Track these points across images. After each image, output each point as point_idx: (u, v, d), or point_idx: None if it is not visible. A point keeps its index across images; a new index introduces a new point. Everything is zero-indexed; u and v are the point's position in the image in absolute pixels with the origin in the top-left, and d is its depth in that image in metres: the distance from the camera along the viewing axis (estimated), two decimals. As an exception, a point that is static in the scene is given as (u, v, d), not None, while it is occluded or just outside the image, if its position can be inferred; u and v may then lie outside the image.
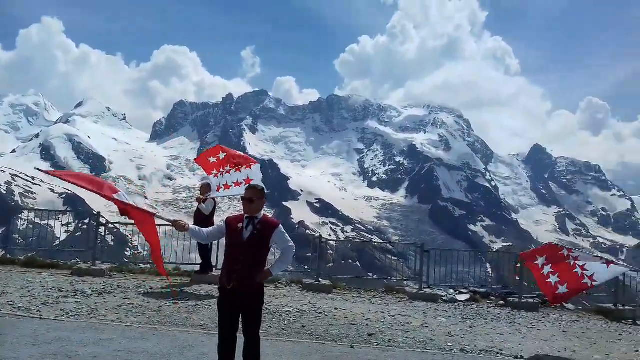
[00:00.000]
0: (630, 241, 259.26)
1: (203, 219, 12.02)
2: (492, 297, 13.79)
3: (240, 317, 5.47)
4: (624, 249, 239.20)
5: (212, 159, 12.07)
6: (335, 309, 10.66)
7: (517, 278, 13.78)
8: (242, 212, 5.57)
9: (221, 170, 11.81)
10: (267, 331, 8.37)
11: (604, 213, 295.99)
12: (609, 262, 9.04)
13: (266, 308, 9.78)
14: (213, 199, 12.30)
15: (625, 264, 9.54)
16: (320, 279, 13.58)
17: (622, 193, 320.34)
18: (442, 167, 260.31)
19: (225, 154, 12.07)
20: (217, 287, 5.57)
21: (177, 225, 5.61)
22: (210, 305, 9.76)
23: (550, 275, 9.00)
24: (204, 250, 12.73)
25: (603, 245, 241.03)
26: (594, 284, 8.68)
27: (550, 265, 9.11)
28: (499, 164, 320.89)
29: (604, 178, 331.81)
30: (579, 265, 8.88)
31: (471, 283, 16.78)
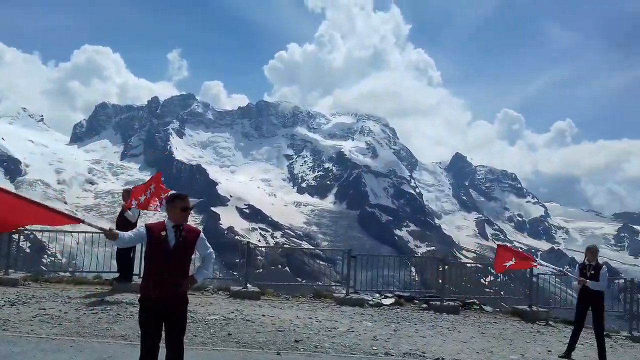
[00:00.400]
0: (543, 245, 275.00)
1: (127, 225, 11.64)
2: (416, 301, 14.20)
3: (164, 327, 5.33)
4: (538, 253, 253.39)
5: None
6: (263, 315, 10.60)
7: (440, 281, 14.29)
8: (161, 220, 5.44)
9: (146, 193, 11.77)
10: (191, 340, 8.20)
11: (520, 219, 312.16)
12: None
13: (192, 317, 9.58)
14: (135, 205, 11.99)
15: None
16: (248, 285, 13.47)
17: (536, 200, 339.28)
18: (370, 174, 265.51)
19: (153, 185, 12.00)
20: (139, 295, 5.39)
21: (111, 234, 5.35)
22: (132, 315, 9.44)
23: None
24: (125, 258, 12.30)
25: (519, 250, 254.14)
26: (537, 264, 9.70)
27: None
28: (423, 172, 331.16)
29: (519, 186, 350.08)
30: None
31: (397, 287, 17.22)
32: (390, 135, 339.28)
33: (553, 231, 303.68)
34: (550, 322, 13.23)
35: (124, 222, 11.95)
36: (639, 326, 13.83)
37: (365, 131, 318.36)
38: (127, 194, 12.12)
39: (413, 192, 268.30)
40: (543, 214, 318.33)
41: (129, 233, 5.47)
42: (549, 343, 10.40)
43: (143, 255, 8.58)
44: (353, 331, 9.89)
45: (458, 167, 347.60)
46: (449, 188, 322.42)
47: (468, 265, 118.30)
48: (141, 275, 9.62)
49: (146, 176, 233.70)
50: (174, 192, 6.19)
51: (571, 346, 9.36)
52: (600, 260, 9.40)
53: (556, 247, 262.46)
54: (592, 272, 9.13)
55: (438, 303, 13.44)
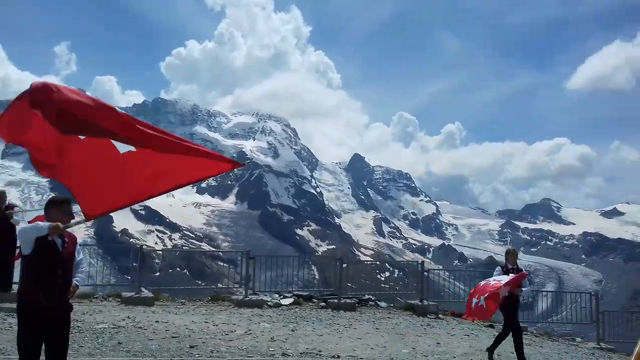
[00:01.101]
0: (435, 241, 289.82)
1: (5, 230, 10.71)
2: (314, 300, 14.37)
3: (46, 338, 4.96)
4: (431, 249, 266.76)
5: None
6: (156, 322, 10.21)
7: (339, 279, 14.57)
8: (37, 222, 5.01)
9: None
10: (77, 351, 7.71)
11: (414, 216, 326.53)
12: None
13: (78, 326, 9.02)
14: (19, 209, 11.06)
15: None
16: (142, 290, 12.92)
17: (428, 198, 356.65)
18: (271, 174, 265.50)
19: None
20: (16, 305, 4.96)
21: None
22: (10, 327, 8.71)
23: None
24: (4, 265, 11.32)
25: (413, 246, 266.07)
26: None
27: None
28: (323, 172, 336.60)
29: (413, 185, 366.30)
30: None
31: (299, 286, 17.33)
32: (292, 135, 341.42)
33: (444, 228, 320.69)
34: (439, 316, 13.93)
35: (3, 227, 10.99)
36: (520, 317, 14.91)
37: (267, 131, 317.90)
38: (3, 196, 11.16)
39: (314, 191, 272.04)
40: (435, 211, 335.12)
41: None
42: (437, 336, 10.92)
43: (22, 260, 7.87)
44: (250, 333, 9.80)
45: (357, 167, 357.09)
46: (349, 187, 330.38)
47: (366, 262, 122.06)
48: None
49: (30, 176, 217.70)
50: (57, 195, 5.73)
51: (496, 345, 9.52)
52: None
53: (447, 243, 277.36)
54: (512, 274, 9.23)
55: (336, 301, 13.70)
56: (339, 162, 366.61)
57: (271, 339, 9.46)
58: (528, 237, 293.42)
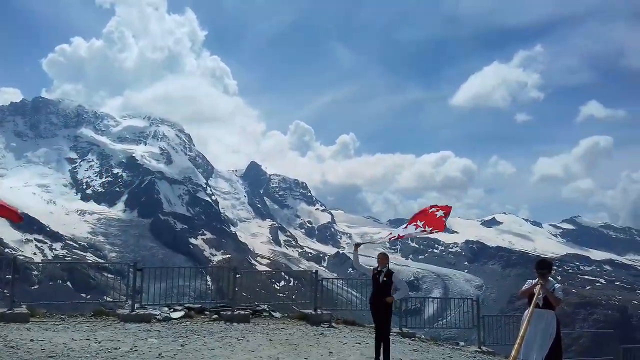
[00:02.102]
0: (330, 250, 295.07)
1: None
2: (207, 312, 13.94)
3: None
4: (326, 257, 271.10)
5: None
6: (31, 340, 9.36)
7: (235, 289, 14.24)
8: None
9: None
10: None
11: (310, 225, 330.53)
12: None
13: None
14: None
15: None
16: (21, 306, 11.81)
17: (324, 207, 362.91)
18: (163, 181, 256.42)
19: None
20: None
21: None
22: None
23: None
24: None
25: (309, 254, 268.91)
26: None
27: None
28: (219, 179, 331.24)
29: (309, 194, 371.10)
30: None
31: (192, 297, 16.74)
32: (186, 141, 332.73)
33: (338, 236, 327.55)
34: (333, 324, 14.06)
35: None
36: (408, 322, 15.45)
37: (159, 136, 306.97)
38: None
39: (209, 199, 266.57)
40: (330, 220, 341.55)
41: None
42: (330, 345, 10.99)
43: None
44: (136, 350, 9.27)
45: (253, 175, 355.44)
46: (245, 196, 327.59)
47: (262, 272, 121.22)
48: None
49: None
50: None
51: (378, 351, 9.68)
52: (376, 264, 10.23)
53: (341, 251, 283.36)
54: (385, 278, 9.64)
55: (229, 313, 13.37)
56: (235, 170, 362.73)
57: (159, 355, 9.00)
58: (416, 245, 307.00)
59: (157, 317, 12.71)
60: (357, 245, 10.68)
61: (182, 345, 9.87)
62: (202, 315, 13.52)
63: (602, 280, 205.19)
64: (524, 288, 8.02)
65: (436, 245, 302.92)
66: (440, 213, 10.53)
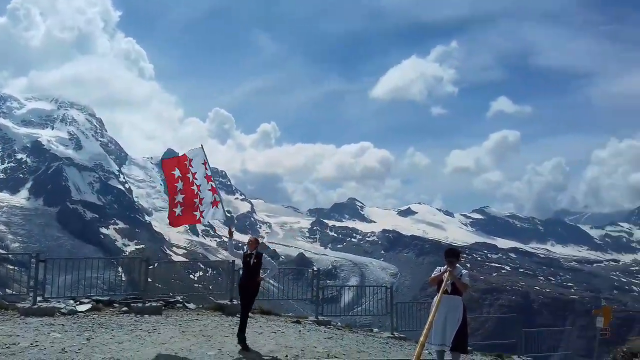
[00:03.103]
0: (246, 238, 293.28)
1: None
2: (116, 304, 13.36)
3: None
4: (245, 247, 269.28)
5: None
6: None
7: (147, 280, 13.73)
8: None
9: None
10: None
11: (228, 214, 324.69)
12: (216, 203, 10.43)
13: None
14: None
15: (223, 213, 10.58)
16: None
17: (243, 197, 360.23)
18: (72, 167, 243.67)
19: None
20: None
21: None
22: None
23: (179, 193, 9.86)
24: None
25: (267, 257, 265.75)
26: (201, 219, 10.10)
27: (183, 183, 9.93)
28: (132, 166, 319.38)
29: (229, 183, 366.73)
30: (199, 197, 9.90)
31: (103, 289, 15.99)
32: (97, 126, 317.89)
33: (258, 226, 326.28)
34: (249, 314, 13.94)
35: None
36: (325, 311, 15.62)
37: (68, 120, 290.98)
38: None
39: (122, 187, 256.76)
40: (250, 209, 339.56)
41: None
42: (245, 335, 10.89)
43: None
44: (37, 345, 8.71)
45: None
46: (161, 184, 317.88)
47: (177, 262, 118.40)
48: None
49: None
50: None
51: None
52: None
53: (261, 241, 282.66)
54: (255, 260, 10.11)
55: (140, 305, 12.88)
56: (151, 157, 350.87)
57: (62, 350, 8.50)
58: (335, 235, 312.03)
59: (62, 310, 12.02)
60: (231, 232, 10.79)
61: (87, 339, 9.38)
62: (111, 307, 12.94)
63: (508, 268, 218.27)
64: (433, 275, 8.28)
65: (354, 235, 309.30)
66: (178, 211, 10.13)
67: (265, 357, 8.99)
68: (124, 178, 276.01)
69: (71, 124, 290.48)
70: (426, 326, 7.13)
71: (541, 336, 19.82)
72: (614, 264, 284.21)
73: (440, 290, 7.88)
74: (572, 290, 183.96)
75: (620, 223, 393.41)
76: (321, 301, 15.72)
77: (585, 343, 75.83)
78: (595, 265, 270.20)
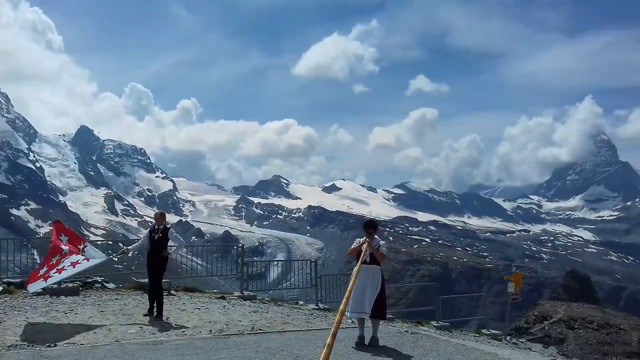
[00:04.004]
0: (172, 218, 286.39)
1: None
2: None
3: None
4: (168, 225, 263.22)
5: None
6: None
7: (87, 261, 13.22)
8: None
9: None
10: None
11: (150, 193, 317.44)
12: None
13: None
14: None
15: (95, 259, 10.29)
16: None
17: (165, 175, 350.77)
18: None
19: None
20: None
21: None
22: None
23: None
24: None
25: (150, 224, 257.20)
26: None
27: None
28: (43, 144, 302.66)
29: (148, 161, 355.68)
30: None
31: (16, 273, 15.21)
32: (3, 101, 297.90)
33: (181, 204, 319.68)
34: (172, 292, 13.78)
35: None
36: (252, 287, 15.72)
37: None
38: None
39: (32, 166, 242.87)
40: (172, 188, 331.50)
41: None
42: (167, 312, 10.76)
43: None
44: (-59, 332, 8.20)
45: (84, 141, 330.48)
46: (75, 163, 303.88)
47: (98, 242, 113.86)
48: None
49: None
50: None
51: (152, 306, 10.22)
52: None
53: (184, 220, 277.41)
54: (160, 234, 10.11)
55: (55, 286, 12.38)
56: (63, 135, 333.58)
57: (-30, 334, 8.06)
58: (261, 212, 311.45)
59: (-32, 295, 11.35)
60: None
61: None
62: (24, 290, 12.36)
63: (428, 240, 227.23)
64: (352, 247, 8.51)
65: (280, 212, 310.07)
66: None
67: (189, 333, 8.95)
68: (34, 156, 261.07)
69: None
70: (346, 295, 7.37)
71: (458, 303, 20.95)
72: (525, 234, 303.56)
73: (359, 260, 8.14)
74: (488, 260, 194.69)
75: (530, 196, 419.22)
76: (248, 278, 15.77)
77: (500, 308, 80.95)
78: (508, 235, 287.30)
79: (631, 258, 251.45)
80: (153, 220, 10.67)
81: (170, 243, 10.32)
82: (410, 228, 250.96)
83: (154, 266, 10.05)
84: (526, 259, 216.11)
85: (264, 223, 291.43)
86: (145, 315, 10.08)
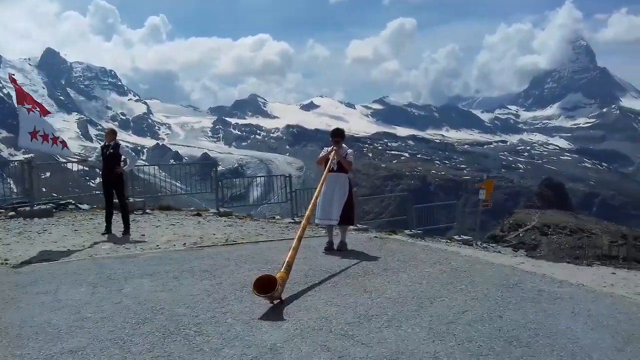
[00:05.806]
0: (149, 142, 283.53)
1: None
2: (2, 210, 12.81)
3: None
4: (145, 149, 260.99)
5: None
6: None
7: (39, 186, 13.16)
8: None
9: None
10: None
11: (123, 117, 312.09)
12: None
13: None
14: None
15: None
16: None
17: (137, 97, 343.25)
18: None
19: None
20: None
21: None
22: None
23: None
24: None
25: (125, 148, 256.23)
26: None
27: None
28: (9, 69, 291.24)
29: (120, 83, 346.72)
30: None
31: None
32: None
33: (157, 127, 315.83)
34: (147, 211, 13.91)
35: None
36: (225, 203, 15.88)
37: None
38: None
39: (0, 93, 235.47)
40: (146, 111, 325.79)
41: None
42: (142, 228, 10.90)
43: None
44: None
45: (51, 64, 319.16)
46: (43, 87, 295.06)
47: (73, 169, 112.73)
48: None
49: None
50: None
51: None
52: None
53: (161, 143, 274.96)
54: (112, 150, 10.06)
55: (28, 209, 12.39)
56: (29, 59, 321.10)
57: (-59, 257, 8.10)
58: (239, 133, 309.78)
59: (-61, 220, 11.32)
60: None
61: (-29, 245, 8.99)
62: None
63: (407, 154, 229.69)
64: (320, 156, 8.56)
65: (258, 132, 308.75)
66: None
67: (162, 247, 9.11)
68: (0, 83, 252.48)
69: None
70: (312, 200, 7.50)
71: (432, 212, 21.48)
72: (502, 144, 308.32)
73: (327, 168, 8.23)
74: (465, 172, 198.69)
75: (508, 106, 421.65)
76: (229, 200, 15.95)
77: (475, 218, 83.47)
78: (485, 147, 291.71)
79: (605, 164, 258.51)
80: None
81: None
82: (389, 143, 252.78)
83: (110, 183, 10.14)
84: (503, 170, 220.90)
85: (243, 144, 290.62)
86: (103, 234, 10.13)
